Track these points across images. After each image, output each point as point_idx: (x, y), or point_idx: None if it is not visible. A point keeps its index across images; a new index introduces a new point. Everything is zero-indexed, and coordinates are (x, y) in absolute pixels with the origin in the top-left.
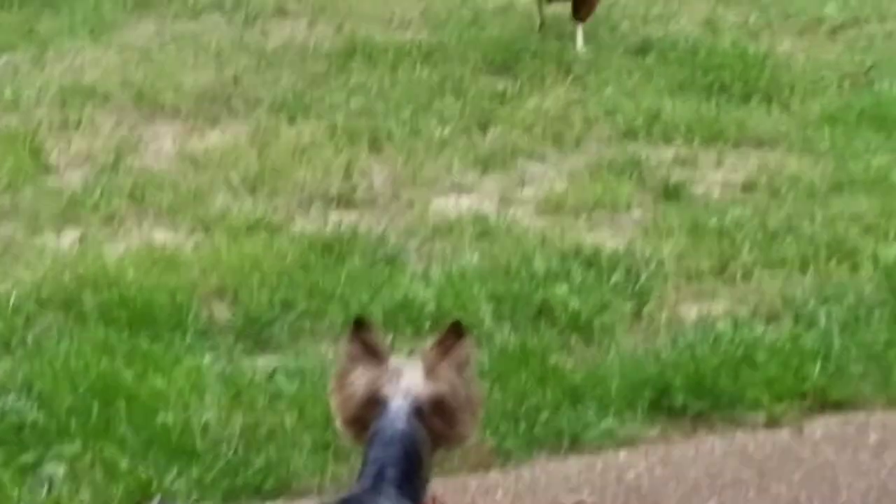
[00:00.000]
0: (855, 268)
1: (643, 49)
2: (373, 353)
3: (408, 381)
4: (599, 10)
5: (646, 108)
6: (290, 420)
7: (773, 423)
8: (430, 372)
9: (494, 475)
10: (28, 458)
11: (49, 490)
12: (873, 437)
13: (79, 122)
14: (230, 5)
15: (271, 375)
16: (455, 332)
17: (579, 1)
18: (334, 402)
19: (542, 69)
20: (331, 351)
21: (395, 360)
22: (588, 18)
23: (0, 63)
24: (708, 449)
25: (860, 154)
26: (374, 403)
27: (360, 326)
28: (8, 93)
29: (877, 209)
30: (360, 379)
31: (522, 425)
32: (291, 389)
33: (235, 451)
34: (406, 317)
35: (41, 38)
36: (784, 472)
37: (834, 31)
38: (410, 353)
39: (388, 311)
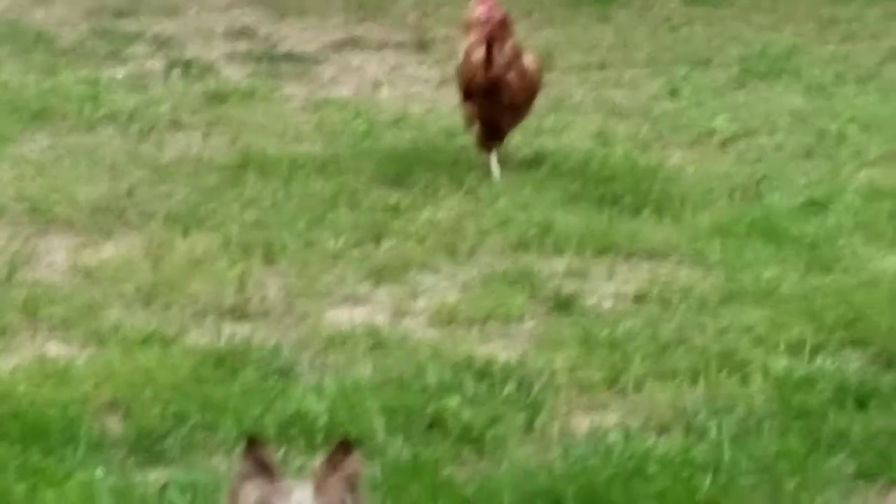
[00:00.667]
0: (745, 380)
1: (536, 161)
2: (265, 471)
3: (298, 499)
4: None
5: (538, 220)
6: None
7: None
8: (319, 490)
9: None
10: None
11: None
12: None
13: None
14: (125, 118)
15: (163, 489)
16: (344, 449)
17: (488, 128)
18: None
19: (436, 181)
20: (223, 465)
21: (289, 479)
22: (498, 146)
23: None
24: None
25: (750, 265)
26: None
27: (253, 444)
28: None
29: (767, 321)
30: (252, 497)
31: None
32: (184, 503)
33: None
34: (299, 429)
35: None
36: None
37: (724, 144)
38: (302, 469)
39: (280, 424)
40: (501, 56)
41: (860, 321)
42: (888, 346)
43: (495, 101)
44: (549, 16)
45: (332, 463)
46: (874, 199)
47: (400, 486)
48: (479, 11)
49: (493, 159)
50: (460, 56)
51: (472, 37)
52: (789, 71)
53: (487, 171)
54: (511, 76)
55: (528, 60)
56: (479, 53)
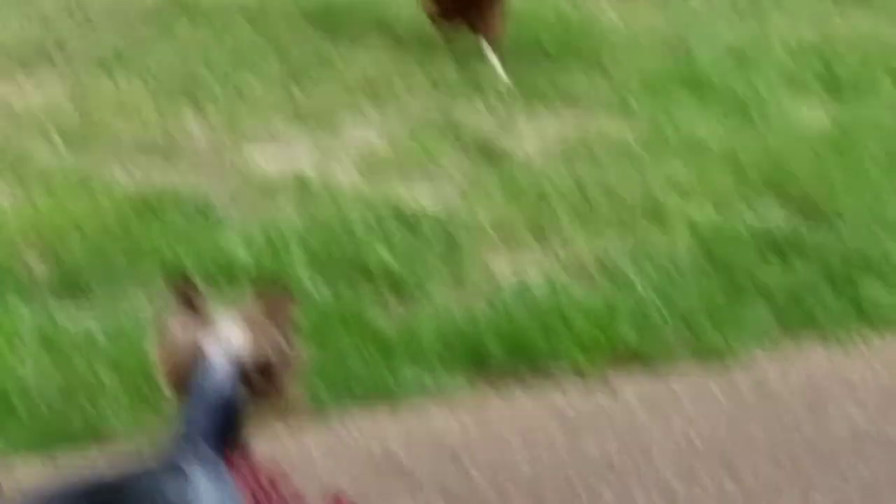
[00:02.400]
0: (669, 230)
1: None
2: (194, 310)
3: (229, 338)
4: None
5: (466, 68)
6: (107, 376)
7: (585, 382)
8: (251, 329)
9: (308, 429)
10: None
11: None
12: (683, 396)
13: None
14: None
15: (88, 329)
16: (274, 289)
17: (480, 17)
18: (156, 358)
19: (367, 32)
20: (148, 307)
21: (217, 318)
22: (495, 37)
23: None
24: (521, 406)
25: (676, 118)
26: (194, 360)
27: (182, 283)
28: None
29: (692, 173)
30: (181, 335)
31: (338, 381)
32: (107, 343)
33: (51, 405)
34: (224, 274)
35: None
36: (597, 430)
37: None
38: (232, 310)
39: (205, 267)
40: None
41: (784, 175)
42: (811, 200)
43: None
44: None
45: (264, 304)
46: (801, 54)
47: (324, 330)
48: None
49: (490, 54)
50: None
51: None
52: None
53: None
54: None
55: None
56: None
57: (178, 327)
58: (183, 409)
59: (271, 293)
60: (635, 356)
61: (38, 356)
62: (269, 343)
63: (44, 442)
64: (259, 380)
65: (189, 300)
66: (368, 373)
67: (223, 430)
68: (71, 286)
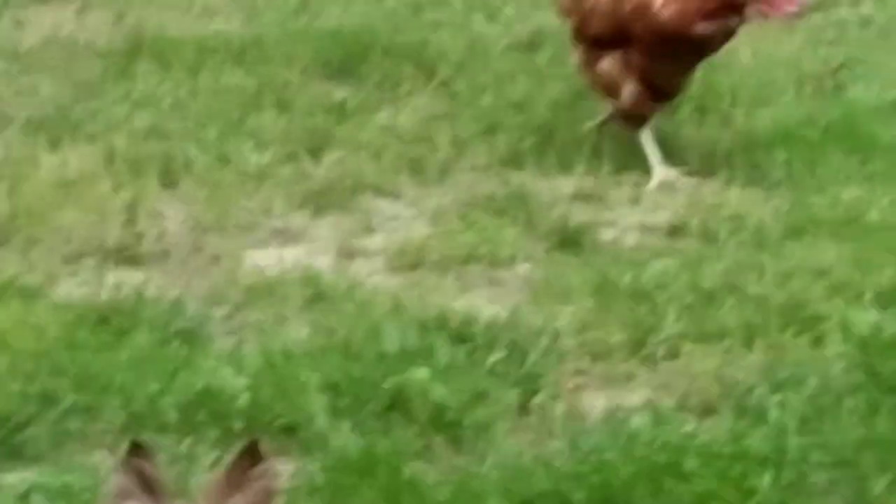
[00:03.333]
0: (818, 341)
1: (534, 44)
2: (149, 489)
3: None
4: None
5: (536, 123)
6: None
7: None
8: None
9: None
10: None
11: None
12: None
13: None
14: None
15: (25, 495)
16: (252, 454)
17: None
18: None
19: (396, 72)
20: (105, 462)
21: (174, 500)
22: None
23: None
24: None
25: (826, 184)
26: None
27: (135, 452)
28: None
29: (848, 260)
30: None
31: None
32: None
33: None
34: (210, 413)
35: None
36: None
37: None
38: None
39: (184, 406)
40: None
41: None
42: None
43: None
44: None
45: (236, 475)
46: None
47: (348, 489)
48: None
49: (649, 138)
50: None
51: None
52: None
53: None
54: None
55: None
56: None
57: None
58: None
59: (251, 460)
60: None
61: None
62: None
63: None
64: None
65: (144, 476)
66: None
67: None
68: (3, 434)
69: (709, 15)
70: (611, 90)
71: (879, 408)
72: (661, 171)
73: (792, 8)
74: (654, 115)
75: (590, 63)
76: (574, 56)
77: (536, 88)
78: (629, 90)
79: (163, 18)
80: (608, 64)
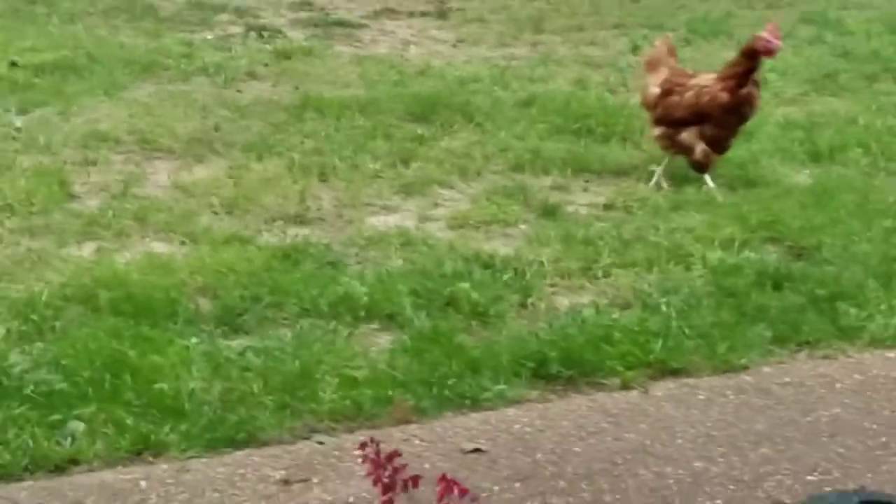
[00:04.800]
0: (688, 267)
1: (528, 102)
2: None
3: None
4: (496, 73)
5: (530, 147)
6: (256, 386)
7: (625, 386)
8: None
9: (413, 427)
10: (55, 417)
11: (72, 442)
12: (701, 396)
13: (96, 161)
14: (213, 70)
15: (242, 353)
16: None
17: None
18: None
19: (451, 118)
20: (288, 334)
21: None
22: (708, 169)
23: (35, 116)
24: (576, 406)
25: (693, 181)
26: None
27: None
28: (41, 139)
29: (705, 223)
30: None
31: (434, 389)
32: (258, 363)
33: (215, 411)
34: (346, 307)
35: (68, 97)
36: (634, 423)
37: None
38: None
39: (331, 303)
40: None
41: (777, 223)
42: (798, 242)
43: (734, 120)
44: None
45: None
46: (789, 129)
47: (422, 350)
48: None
49: (709, 176)
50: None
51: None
52: (725, 32)
53: None
54: (754, 92)
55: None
56: (716, 81)
57: None
58: None
59: None
60: (664, 366)
61: (203, 372)
62: None
63: (207, 437)
64: None
65: None
66: (458, 382)
67: None
68: (228, 318)
69: (742, 81)
70: (688, 152)
71: (722, 304)
72: (710, 185)
73: (778, 43)
74: (714, 163)
75: (670, 136)
76: (653, 131)
77: (529, 127)
78: (701, 150)
79: (320, 88)
80: (687, 135)
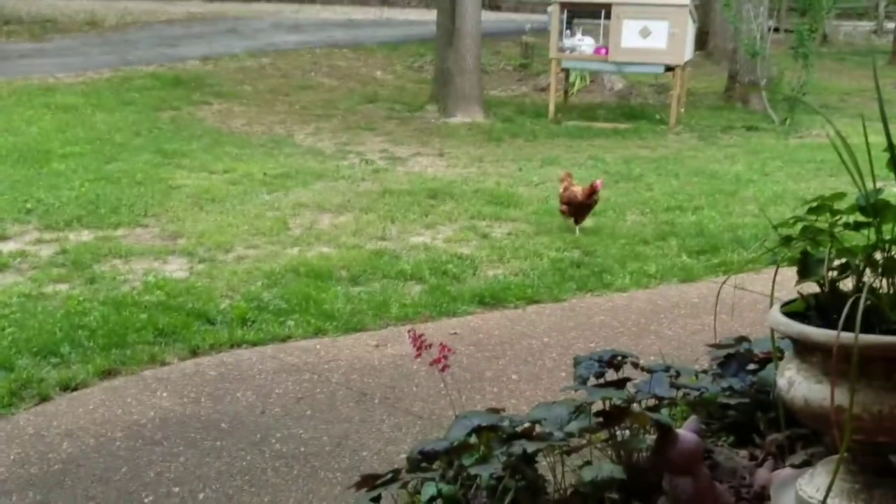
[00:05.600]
0: (541, 259)
1: (476, 191)
2: None
3: None
4: (462, 179)
5: (477, 209)
6: (365, 306)
7: (515, 307)
8: None
9: (429, 324)
10: (281, 318)
11: (289, 328)
12: (548, 312)
13: (298, 214)
14: (348, 176)
15: (359, 293)
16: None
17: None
18: None
19: (444, 198)
20: (377, 285)
21: None
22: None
23: (273, 196)
24: (498, 316)
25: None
26: None
27: None
28: (276, 204)
29: (551, 242)
30: None
31: (438, 308)
32: (366, 297)
33: (343, 318)
34: (401, 275)
35: (287, 188)
36: (530, 321)
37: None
38: None
39: (395, 273)
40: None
41: (578, 241)
42: (586, 249)
43: (584, 210)
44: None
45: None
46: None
47: (432, 292)
48: (597, 183)
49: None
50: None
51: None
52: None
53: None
54: (591, 203)
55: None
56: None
57: None
58: None
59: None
60: (532, 299)
61: (343, 302)
62: None
63: (344, 329)
64: None
65: None
66: (448, 305)
67: None
68: (354, 279)
69: (590, 192)
70: (568, 216)
71: (556, 274)
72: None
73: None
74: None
75: (563, 211)
76: (561, 207)
77: (476, 201)
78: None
79: (390, 184)
80: (567, 210)
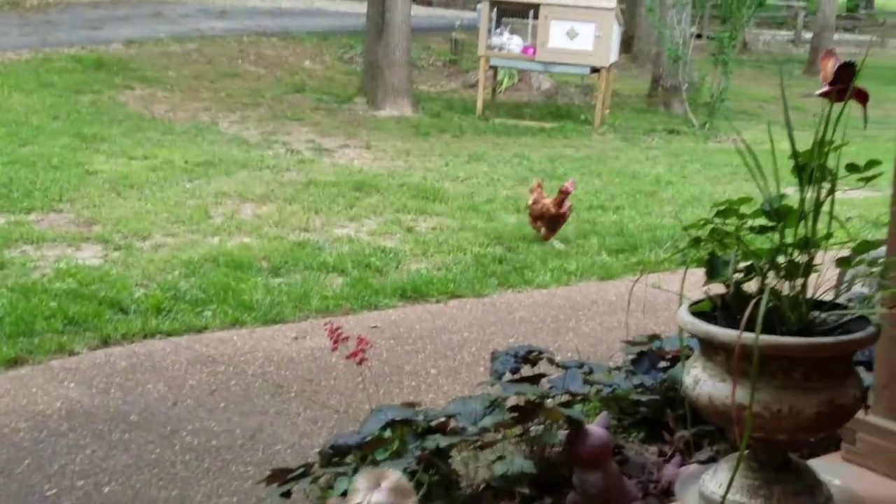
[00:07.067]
0: (465, 254)
1: (401, 185)
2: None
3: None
4: (388, 172)
5: (402, 203)
6: (286, 297)
7: (437, 301)
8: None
9: (349, 317)
10: (198, 309)
11: (207, 318)
12: (469, 307)
13: (220, 203)
14: (272, 166)
15: (279, 284)
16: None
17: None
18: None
19: (370, 190)
20: (299, 277)
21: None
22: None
23: (194, 183)
24: (418, 310)
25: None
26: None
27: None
28: (197, 192)
29: (474, 237)
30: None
31: (359, 301)
32: (286, 289)
33: (264, 307)
34: (323, 267)
35: (229, 175)
36: (437, 316)
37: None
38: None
39: (317, 265)
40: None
41: (501, 237)
42: (508, 243)
43: (557, 222)
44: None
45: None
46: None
47: (354, 285)
48: (567, 185)
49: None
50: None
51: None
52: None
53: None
54: (565, 212)
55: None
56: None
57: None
58: None
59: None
60: (453, 294)
61: (262, 293)
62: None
63: (263, 321)
64: None
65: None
66: (370, 298)
67: None
68: (275, 270)
69: (560, 201)
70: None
71: (478, 269)
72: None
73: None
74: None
75: (533, 223)
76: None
77: (402, 195)
78: (545, 231)
79: (316, 176)
80: (540, 224)
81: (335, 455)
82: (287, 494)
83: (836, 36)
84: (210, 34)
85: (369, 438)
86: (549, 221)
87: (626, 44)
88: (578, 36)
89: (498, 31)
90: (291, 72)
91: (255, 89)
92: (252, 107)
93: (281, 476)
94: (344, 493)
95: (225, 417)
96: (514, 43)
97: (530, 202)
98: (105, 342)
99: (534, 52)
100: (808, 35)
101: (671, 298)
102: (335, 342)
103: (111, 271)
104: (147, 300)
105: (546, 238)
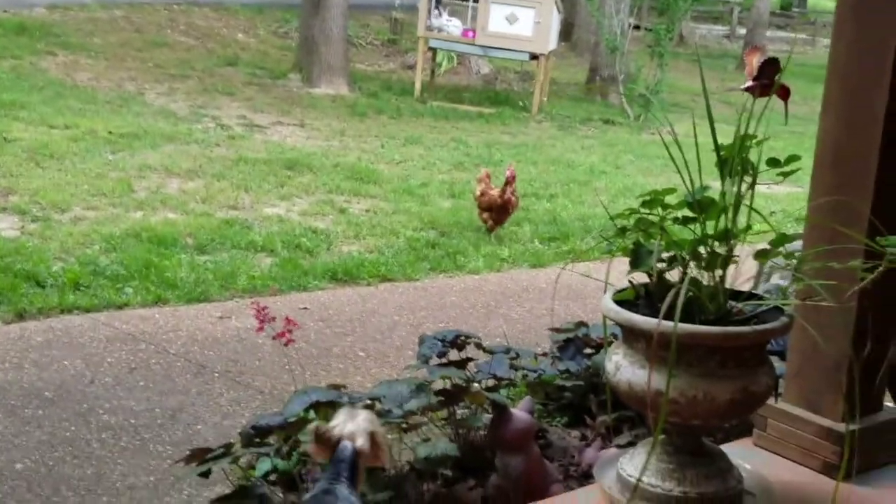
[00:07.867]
0: (398, 237)
1: (335, 165)
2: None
3: (351, 437)
4: (322, 151)
5: (336, 184)
6: (211, 276)
7: (368, 284)
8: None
9: (277, 298)
10: (119, 285)
11: (127, 295)
12: (401, 291)
13: (145, 177)
14: (201, 141)
15: (204, 263)
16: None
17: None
18: (312, 451)
19: (303, 169)
20: (227, 256)
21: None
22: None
23: (118, 156)
24: (349, 292)
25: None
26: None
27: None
28: (121, 165)
29: (410, 222)
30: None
31: (288, 283)
32: (213, 267)
33: (187, 287)
34: (252, 246)
35: (135, 149)
36: (373, 298)
37: None
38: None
39: (246, 244)
40: (508, 192)
41: (434, 222)
42: (440, 228)
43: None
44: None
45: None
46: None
47: (284, 266)
48: (508, 172)
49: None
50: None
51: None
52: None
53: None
54: (510, 199)
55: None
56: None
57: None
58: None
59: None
60: (385, 277)
61: (187, 271)
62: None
63: (187, 299)
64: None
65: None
66: (299, 280)
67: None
68: (201, 247)
69: (504, 191)
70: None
71: (411, 253)
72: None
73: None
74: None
75: (480, 214)
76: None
77: (336, 175)
78: (491, 223)
79: (247, 153)
80: (487, 216)
81: (257, 436)
82: (206, 474)
83: (768, 33)
84: (138, 1)
85: (292, 420)
86: (496, 213)
87: (566, 32)
88: (518, 21)
89: (437, 12)
90: (223, 44)
91: (184, 60)
92: (181, 78)
93: (200, 455)
94: (266, 475)
95: (144, 396)
96: (453, 25)
97: (478, 193)
98: (20, 316)
99: (473, 36)
100: (742, 31)
101: (600, 286)
102: (261, 322)
103: (28, 243)
104: (65, 274)
105: (491, 230)
